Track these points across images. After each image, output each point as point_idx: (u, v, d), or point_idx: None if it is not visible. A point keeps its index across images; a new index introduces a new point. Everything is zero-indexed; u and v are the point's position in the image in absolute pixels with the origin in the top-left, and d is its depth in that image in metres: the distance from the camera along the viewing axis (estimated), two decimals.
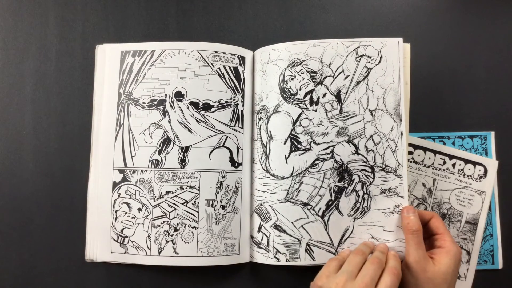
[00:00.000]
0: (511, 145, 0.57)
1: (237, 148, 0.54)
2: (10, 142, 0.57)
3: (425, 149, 0.56)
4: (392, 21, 0.59)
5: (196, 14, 0.59)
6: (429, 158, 0.56)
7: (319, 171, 0.52)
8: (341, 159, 0.52)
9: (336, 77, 0.53)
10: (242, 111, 0.55)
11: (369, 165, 0.51)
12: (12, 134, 0.57)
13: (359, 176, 0.52)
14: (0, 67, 0.58)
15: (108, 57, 0.56)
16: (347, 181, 0.52)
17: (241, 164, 0.55)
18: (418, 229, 0.48)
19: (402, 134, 0.51)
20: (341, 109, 0.52)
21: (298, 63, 0.53)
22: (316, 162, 0.52)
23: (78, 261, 0.55)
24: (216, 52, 0.55)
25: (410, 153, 0.56)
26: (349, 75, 0.53)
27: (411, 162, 0.56)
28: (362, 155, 0.52)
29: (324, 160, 0.52)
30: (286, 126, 0.53)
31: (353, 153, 0.52)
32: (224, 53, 0.55)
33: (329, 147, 0.52)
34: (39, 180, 0.56)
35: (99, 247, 0.54)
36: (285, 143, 0.53)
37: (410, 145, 0.56)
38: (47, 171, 0.56)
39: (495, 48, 0.58)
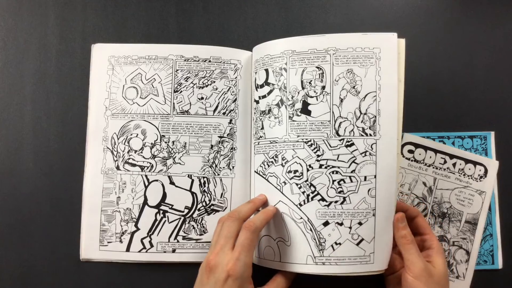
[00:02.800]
0: (511, 145, 0.57)
1: None
2: (10, 142, 0.57)
3: (426, 148, 0.56)
4: (392, 21, 0.59)
5: (196, 14, 0.59)
6: (430, 157, 0.56)
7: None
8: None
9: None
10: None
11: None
12: (12, 134, 0.57)
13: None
14: (0, 67, 0.58)
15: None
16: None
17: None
18: (413, 238, 0.48)
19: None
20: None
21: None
22: None
23: (78, 261, 0.55)
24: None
25: (411, 151, 0.57)
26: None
27: (412, 160, 0.56)
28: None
29: None
30: None
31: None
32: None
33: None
34: (39, 180, 0.56)
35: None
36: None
37: (411, 144, 0.56)
38: (47, 171, 0.56)
39: (495, 48, 0.59)
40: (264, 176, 0.51)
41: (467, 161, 0.56)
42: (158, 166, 0.55)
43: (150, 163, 0.55)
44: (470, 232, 0.56)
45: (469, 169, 0.56)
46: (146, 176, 0.55)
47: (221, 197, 0.55)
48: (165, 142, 0.55)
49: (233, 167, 0.55)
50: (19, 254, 0.55)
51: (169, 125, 0.55)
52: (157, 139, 0.55)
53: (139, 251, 0.54)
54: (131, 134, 0.55)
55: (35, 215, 0.56)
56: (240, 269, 0.42)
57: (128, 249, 0.54)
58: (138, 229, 0.54)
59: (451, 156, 0.56)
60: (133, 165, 0.55)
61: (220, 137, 0.55)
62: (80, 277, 0.55)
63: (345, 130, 0.49)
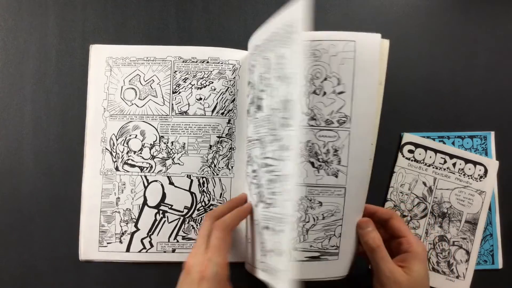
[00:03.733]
0: (511, 145, 0.57)
1: None
2: (10, 142, 0.57)
3: (426, 148, 0.56)
4: (392, 20, 0.59)
5: (196, 14, 0.59)
6: (430, 157, 0.56)
7: None
8: None
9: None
10: None
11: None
12: (12, 134, 0.57)
13: None
14: (0, 67, 0.58)
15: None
16: None
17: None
18: (380, 243, 0.45)
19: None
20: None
21: None
22: None
23: (78, 261, 0.55)
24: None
25: (411, 151, 0.57)
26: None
27: (412, 160, 0.56)
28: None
29: None
30: None
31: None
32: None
33: None
34: (39, 180, 0.56)
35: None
36: None
37: (411, 143, 0.56)
38: (47, 171, 0.56)
39: (495, 48, 0.58)
40: (246, 175, 0.52)
41: (467, 161, 0.56)
42: (157, 166, 0.55)
43: (150, 163, 0.55)
44: (470, 232, 0.56)
45: (469, 169, 0.56)
46: (145, 176, 0.55)
47: (220, 197, 0.55)
48: (164, 143, 0.55)
49: (232, 167, 0.55)
50: (19, 254, 0.55)
51: (168, 125, 0.55)
52: (156, 140, 0.55)
53: (139, 251, 0.54)
54: (130, 135, 0.55)
55: (35, 215, 0.56)
56: (211, 270, 0.40)
57: (128, 250, 0.54)
58: (138, 229, 0.54)
59: (451, 156, 0.56)
60: (132, 166, 0.55)
61: (219, 137, 0.55)
62: (80, 277, 0.55)
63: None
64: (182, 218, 0.54)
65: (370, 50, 0.45)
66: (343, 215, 0.47)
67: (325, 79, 0.46)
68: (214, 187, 0.55)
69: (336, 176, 0.47)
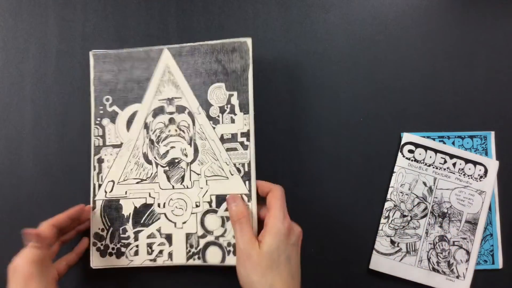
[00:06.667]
0: (511, 145, 0.57)
1: None
2: (10, 142, 0.57)
3: (426, 148, 0.56)
4: (392, 20, 0.59)
5: (196, 14, 0.59)
6: (430, 157, 0.56)
7: None
8: None
9: None
10: None
11: None
12: (12, 134, 0.57)
13: None
14: (0, 67, 0.58)
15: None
16: None
17: None
18: (240, 216, 0.46)
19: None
20: None
21: None
22: None
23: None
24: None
25: (411, 151, 0.57)
26: None
27: (412, 160, 0.56)
28: None
29: None
30: None
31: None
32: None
33: None
34: (39, 180, 0.56)
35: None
36: None
37: (411, 143, 0.56)
38: (47, 171, 0.56)
39: (495, 48, 0.58)
40: None
41: (467, 161, 0.56)
42: None
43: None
44: (470, 232, 0.56)
45: (469, 169, 0.56)
46: None
47: None
48: None
49: None
50: None
51: None
52: None
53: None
54: None
55: (36, 215, 0.56)
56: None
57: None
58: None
59: (451, 156, 0.56)
60: None
61: None
62: (80, 276, 0.55)
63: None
64: None
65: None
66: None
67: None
68: None
69: None
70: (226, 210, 0.50)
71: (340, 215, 0.56)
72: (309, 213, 0.56)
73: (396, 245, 0.55)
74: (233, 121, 0.51)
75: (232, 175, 0.51)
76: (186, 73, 0.52)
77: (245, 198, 0.50)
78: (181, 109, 0.52)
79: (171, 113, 0.52)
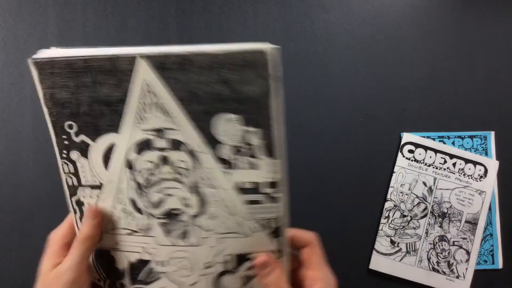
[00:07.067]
0: (511, 145, 0.57)
1: None
2: (10, 142, 0.57)
3: (426, 148, 0.56)
4: (392, 20, 0.59)
5: (196, 14, 0.59)
6: (430, 157, 0.56)
7: None
8: None
9: None
10: None
11: None
12: (12, 134, 0.57)
13: None
14: (0, 67, 0.58)
15: None
16: None
17: None
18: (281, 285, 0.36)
19: None
20: None
21: None
22: None
23: None
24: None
25: (411, 151, 0.57)
26: None
27: (412, 160, 0.56)
28: None
29: None
30: None
31: None
32: None
33: None
34: (39, 180, 0.56)
35: None
36: None
37: (411, 143, 0.57)
38: (47, 171, 0.56)
39: (495, 48, 0.58)
40: None
41: (467, 161, 0.56)
42: None
43: None
44: (470, 232, 0.56)
45: (469, 169, 0.56)
46: None
47: None
48: None
49: None
50: (19, 254, 0.55)
51: None
52: None
53: None
54: None
55: (36, 215, 0.56)
56: None
57: None
58: None
59: (451, 156, 0.56)
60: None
61: None
62: None
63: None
64: None
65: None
66: None
67: None
68: None
69: None
70: (250, 269, 0.38)
71: (340, 215, 0.56)
72: (309, 213, 0.56)
73: (396, 245, 0.55)
74: (254, 166, 0.35)
75: (253, 232, 0.37)
76: (178, 95, 0.34)
77: (273, 255, 0.37)
78: (176, 145, 0.36)
79: (162, 149, 0.36)
